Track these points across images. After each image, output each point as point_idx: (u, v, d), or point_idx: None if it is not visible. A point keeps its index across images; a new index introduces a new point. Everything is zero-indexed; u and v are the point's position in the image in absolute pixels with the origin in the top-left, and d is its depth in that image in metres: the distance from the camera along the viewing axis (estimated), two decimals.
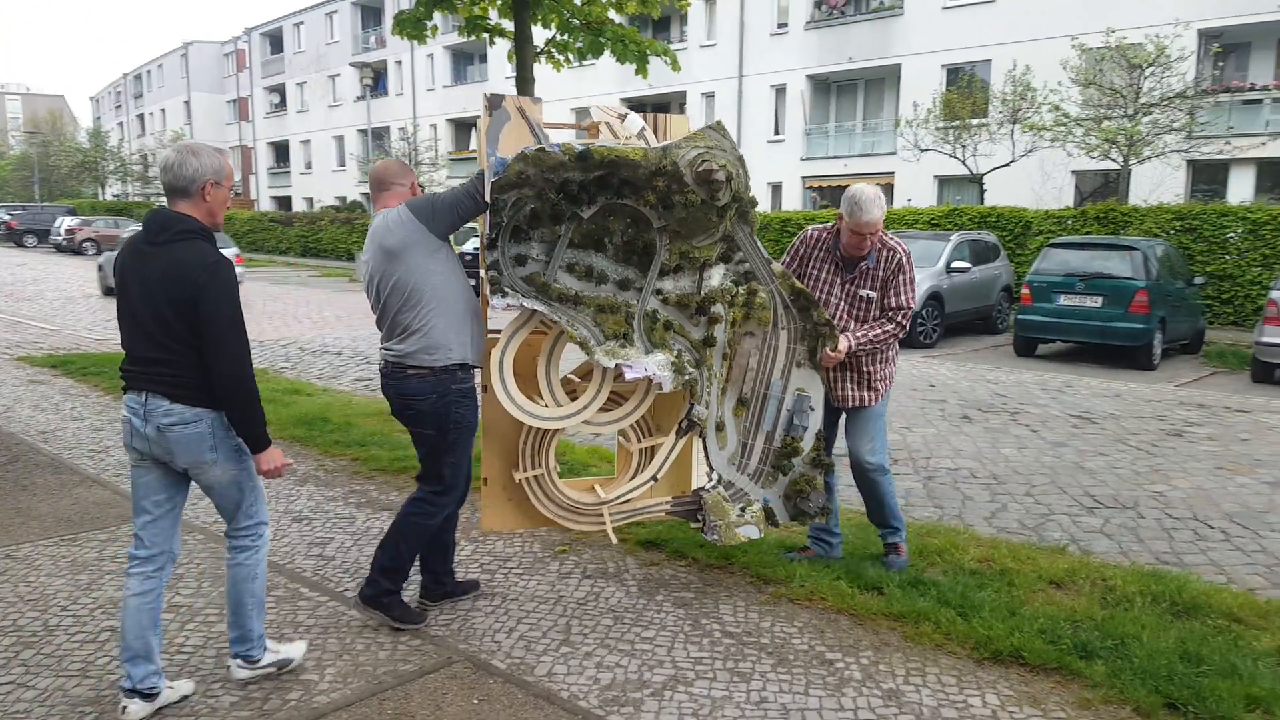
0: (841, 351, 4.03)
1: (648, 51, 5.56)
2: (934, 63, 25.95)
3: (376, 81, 39.63)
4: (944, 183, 25.65)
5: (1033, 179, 21.78)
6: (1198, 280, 13.64)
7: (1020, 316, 12.63)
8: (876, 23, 27.47)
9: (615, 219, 3.62)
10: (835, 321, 4.11)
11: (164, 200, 3.03)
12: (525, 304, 3.55)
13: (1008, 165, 20.31)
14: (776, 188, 30.00)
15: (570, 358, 3.88)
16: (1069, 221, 17.03)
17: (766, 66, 29.75)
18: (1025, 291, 12.41)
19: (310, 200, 50.11)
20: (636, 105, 34.61)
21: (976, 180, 20.93)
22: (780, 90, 29.74)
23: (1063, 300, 11.99)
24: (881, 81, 28.57)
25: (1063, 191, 22.82)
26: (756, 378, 4.00)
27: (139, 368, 2.95)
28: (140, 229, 3.00)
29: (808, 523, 4.28)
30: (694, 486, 4.02)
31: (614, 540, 4.02)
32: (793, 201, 29.23)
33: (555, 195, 3.47)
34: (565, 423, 3.73)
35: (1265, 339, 10.51)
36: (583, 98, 34.55)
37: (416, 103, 43.18)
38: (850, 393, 4.24)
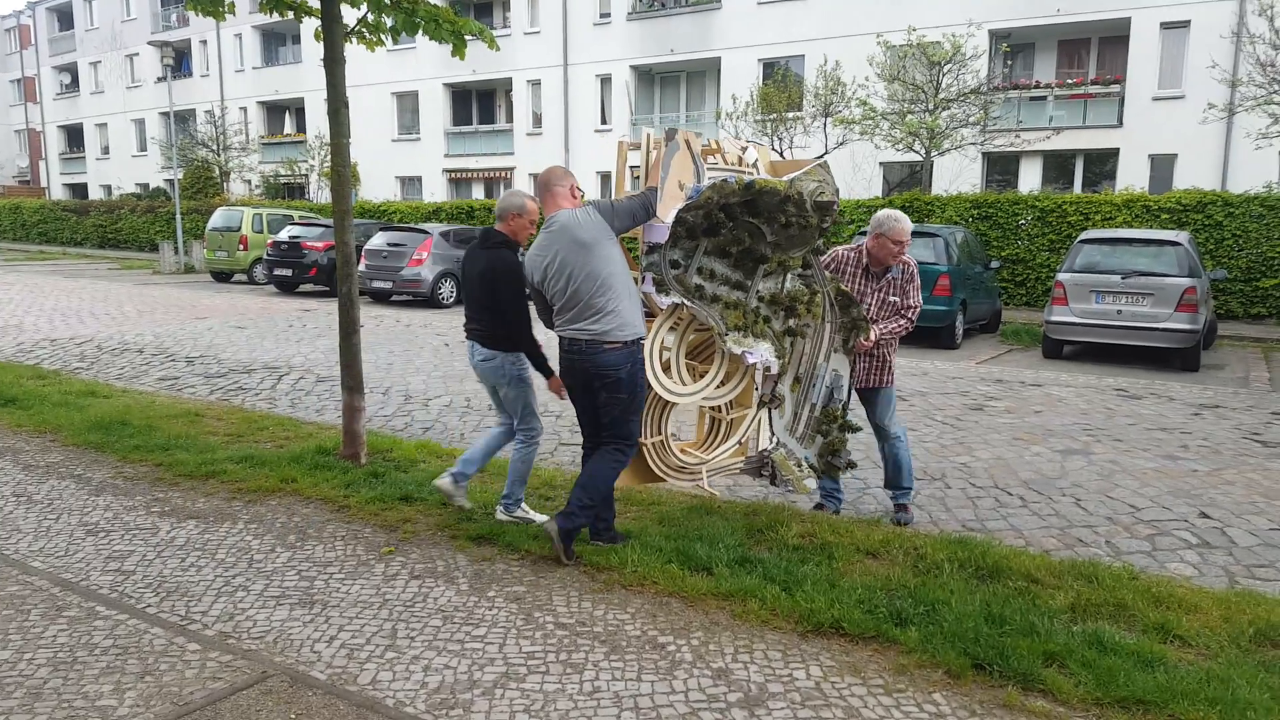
0: (872, 340, 4.92)
1: (463, 31, 5.36)
2: (751, 56, 26.80)
3: (179, 62, 36.72)
4: None
5: (844, 170, 22.92)
6: (994, 264, 14.80)
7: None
8: (696, 15, 28.05)
9: (740, 232, 4.43)
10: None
11: None
12: (680, 300, 4.33)
13: (821, 157, 21.27)
14: (605, 177, 30.14)
15: None
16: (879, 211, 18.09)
17: (591, 56, 29.79)
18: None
19: (108, 188, 45.92)
20: (461, 91, 33.87)
21: None
22: (606, 80, 29.87)
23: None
24: (703, 74, 29.24)
25: (872, 182, 24.19)
26: (809, 360, 4.87)
27: (471, 325, 4.71)
28: (477, 238, 4.76)
29: (835, 475, 5.15)
30: (760, 448, 4.84)
31: (713, 493, 5.04)
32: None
33: (718, 214, 4.31)
34: (694, 398, 4.61)
35: (1054, 318, 11.52)
36: (404, 81, 33.56)
37: (224, 84, 40.34)
38: (873, 376, 5.17)
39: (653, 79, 30.44)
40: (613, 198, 4.35)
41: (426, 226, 18.00)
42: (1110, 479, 6.07)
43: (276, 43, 40.38)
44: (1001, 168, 24.24)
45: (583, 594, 3.91)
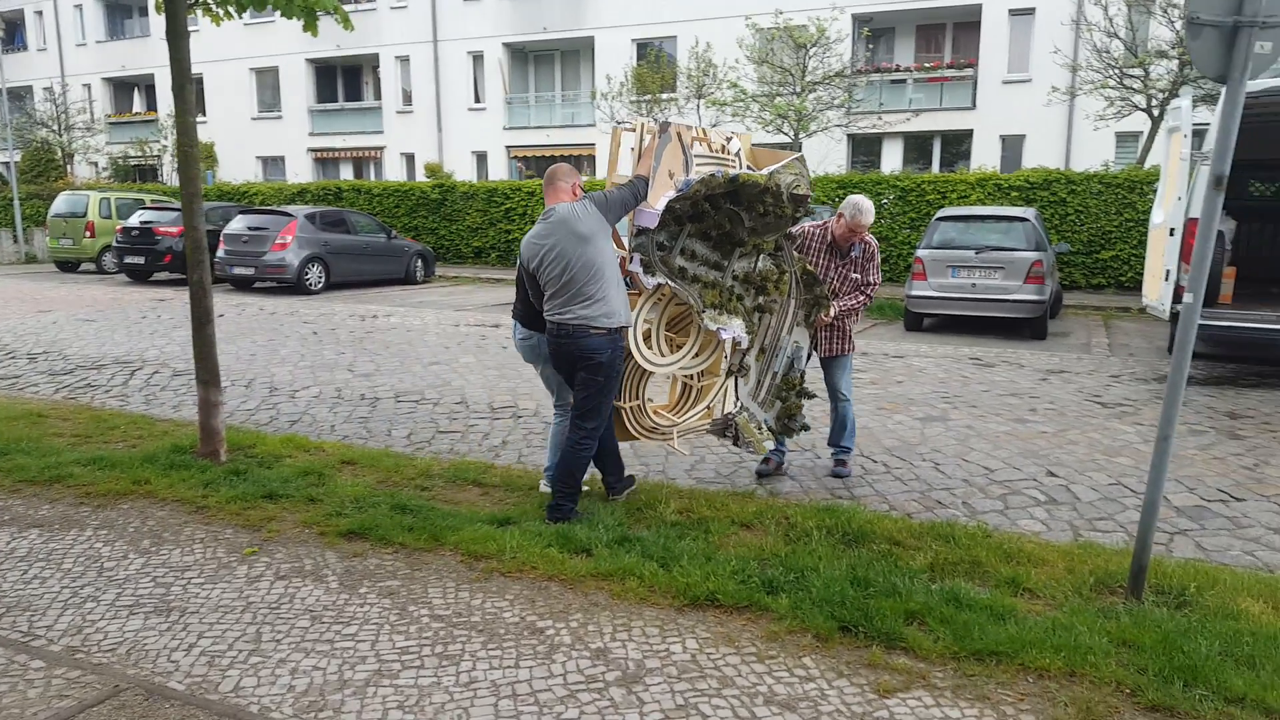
0: (832, 316, 5.41)
1: (315, 7, 5.12)
2: (624, 36, 26.80)
3: (11, 34, 33.75)
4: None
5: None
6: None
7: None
8: None
9: (721, 219, 4.79)
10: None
11: None
12: (664, 281, 4.66)
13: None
14: (481, 157, 29.63)
15: None
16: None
17: (462, 32, 29.10)
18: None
19: None
20: (325, 67, 32.50)
21: None
22: (478, 57, 29.27)
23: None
24: (577, 53, 29.04)
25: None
26: (774, 333, 5.35)
27: (517, 305, 4.89)
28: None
29: (791, 436, 5.68)
30: (724, 412, 5.24)
31: (682, 451, 5.50)
32: (498, 171, 29.02)
33: (704, 203, 4.70)
34: (671, 368, 4.99)
35: (914, 293, 12.05)
36: (264, 56, 31.89)
37: (64, 59, 37.34)
38: (835, 345, 5.64)
39: (527, 57, 30.01)
40: (607, 189, 4.56)
41: (290, 209, 17.24)
42: (966, 443, 6.42)
43: (122, 14, 37.65)
44: (865, 149, 25.13)
45: (460, 584, 3.85)
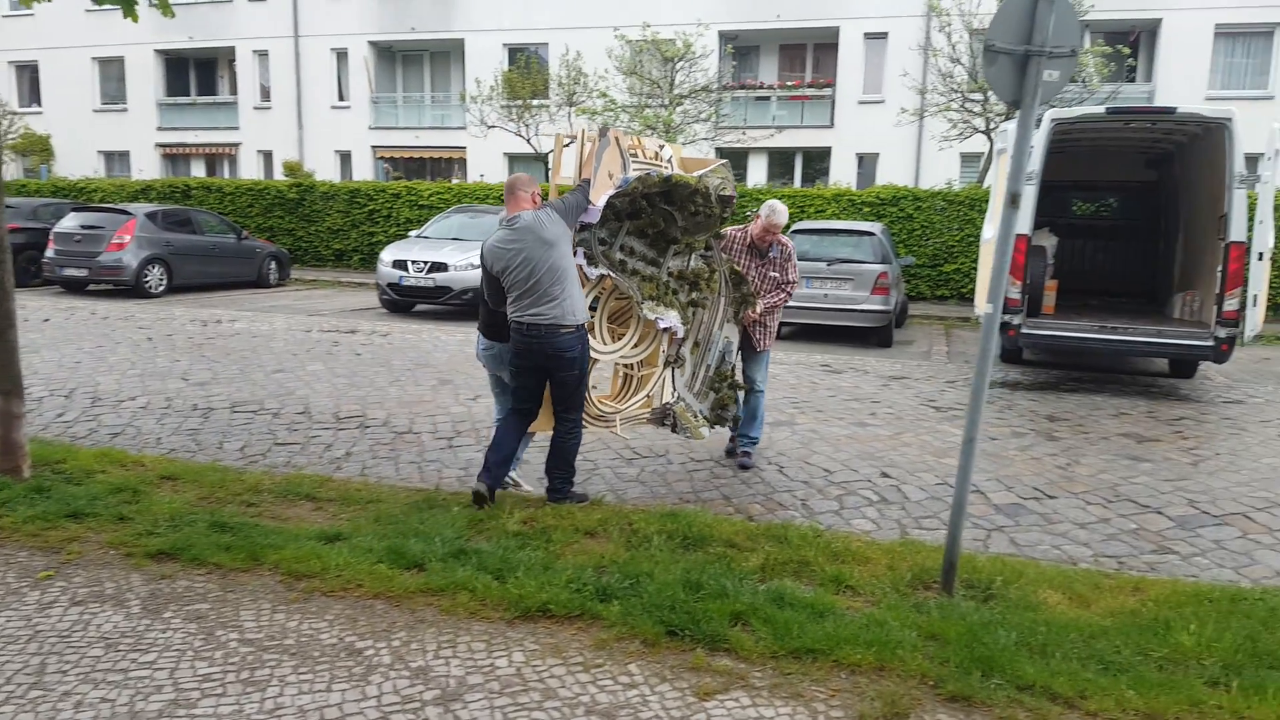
0: (758, 311, 5.97)
1: None
2: (495, 41, 26.54)
3: None
4: (514, 160, 26.46)
5: None
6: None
7: None
8: None
9: (656, 217, 5.30)
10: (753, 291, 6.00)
11: None
12: (605, 272, 5.10)
13: (568, 146, 21.50)
14: (345, 156, 28.67)
15: None
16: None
17: (326, 28, 28.10)
18: None
19: None
20: (177, 59, 30.79)
21: (542, 159, 21.89)
22: (343, 55, 28.33)
23: None
24: (447, 55, 28.55)
25: None
26: (706, 328, 5.82)
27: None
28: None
29: (724, 426, 6.11)
30: (663, 401, 5.59)
31: (623, 436, 6.07)
32: (363, 171, 28.14)
33: (641, 201, 5.17)
34: (613, 356, 5.38)
35: None
36: (108, 45, 29.82)
37: None
38: (758, 340, 6.14)
39: (394, 56, 29.27)
40: (553, 195, 4.99)
41: (129, 207, 16.19)
42: (809, 446, 6.63)
43: None
44: (732, 163, 25.63)
45: (276, 606, 3.66)
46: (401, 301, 13.87)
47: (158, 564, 4.04)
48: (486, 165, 26.26)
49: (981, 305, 9.70)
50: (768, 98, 25.33)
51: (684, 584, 3.82)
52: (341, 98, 28.62)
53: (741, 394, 6.13)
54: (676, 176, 5.25)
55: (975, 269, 16.73)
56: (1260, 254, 8.25)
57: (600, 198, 4.84)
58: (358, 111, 28.37)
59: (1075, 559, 4.68)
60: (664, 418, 5.67)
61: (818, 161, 25.23)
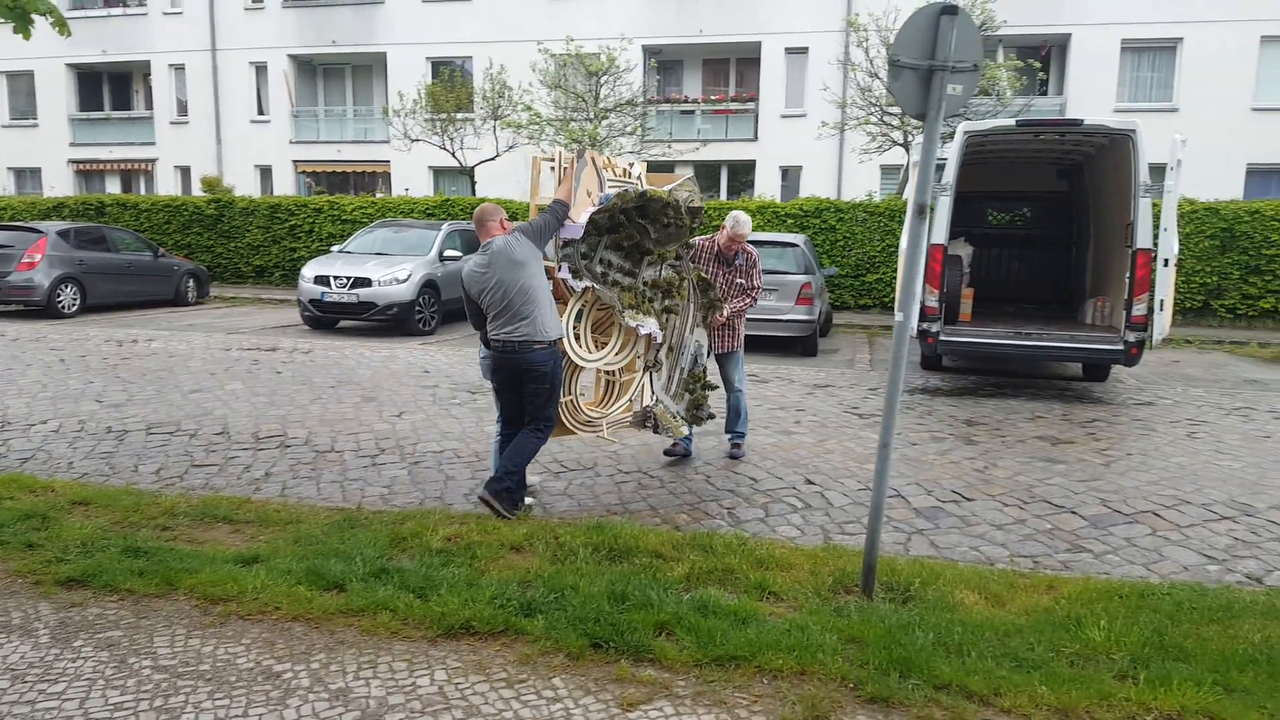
0: (725, 317, 6.38)
1: (28, 9, 4.64)
2: (419, 54, 26.27)
3: None
4: (439, 173, 26.24)
5: (519, 173, 23.30)
6: None
7: None
8: (358, 8, 26.92)
9: (633, 230, 5.64)
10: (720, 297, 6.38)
11: None
12: (589, 284, 5.42)
13: (494, 159, 21.44)
14: (266, 171, 28.03)
15: None
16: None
17: (244, 42, 27.47)
18: None
19: None
20: (90, 74, 29.79)
21: (467, 173, 21.76)
22: (262, 68, 27.72)
23: None
24: (369, 68, 28.17)
25: (544, 186, 24.76)
26: (679, 333, 6.19)
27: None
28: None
29: (700, 424, 6.55)
30: (644, 404, 5.96)
31: (611, 440, 6.36)
32: (285, 186, 27.51)
33: (619, 216, 5.50)
34: (599, 364, 5.65)
35: None
36: (17, 59, 28.56)
37: None
38: (728, 342, 6.60)
39: (315, 70, 28.76)
40: (529, 214, 5.28)
41: (40, 225, 15.57)
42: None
43: None
44: None
45: (191, 631, 3.56)
46: (324, 318, 13.61)
47: (68, 591, 3.89)
48: (411, 179, 25.96)
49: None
50: (692, 111, 25.62)
51: (609, 596, 3.83)
52: (261, 112, 28.00)
53: (711, 393, 6.53)
54: (651, 192, 5.63)
55: (896, 278, 17.21)
56: (1165, 260, 8.64)
57: (581, 215, 5.20)
58: (278, 126, 27.78)
59: (992, 559, 4.83)
60: (645, 419, 6.02)
61: (743, 174, 25.60)
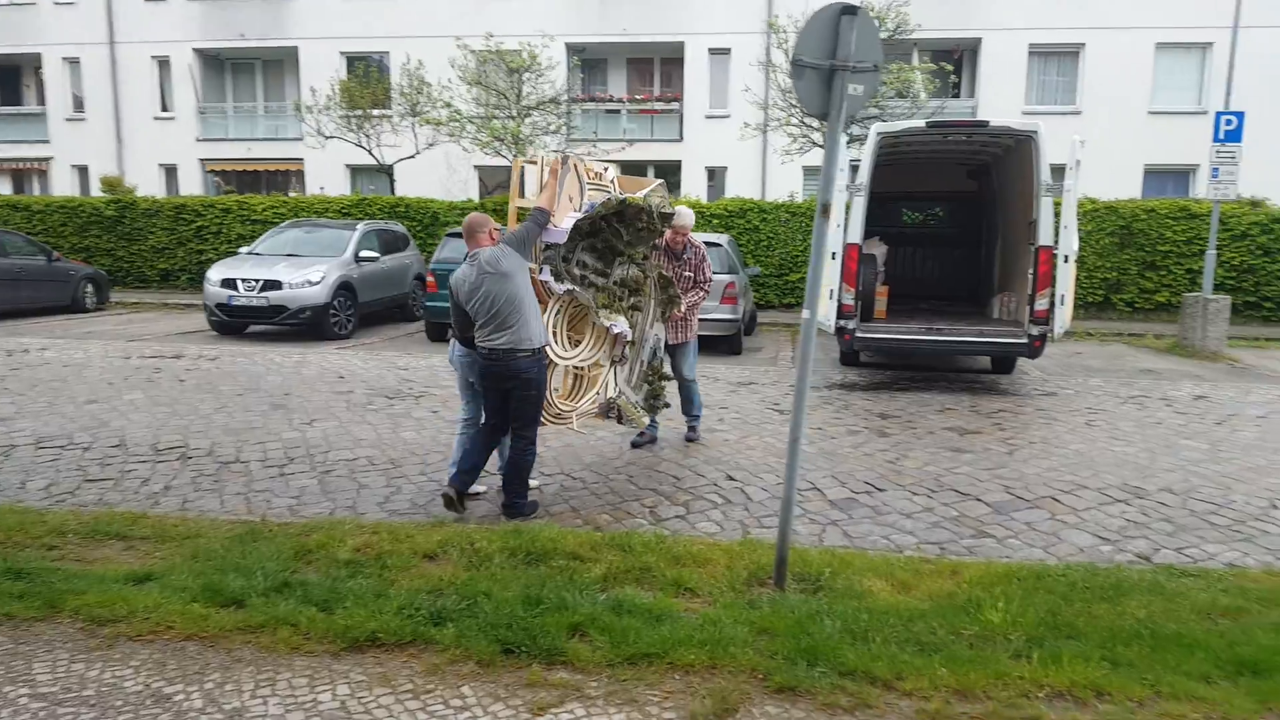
0: (683, 312, 6.77)
1: None
2: (332, 49, 25.61)
3: None
4: (357, 172, 25.65)
5: (440, 172, 22.95)
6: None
7: (428, 304, 13.15)
8: (268, 2, 26.15)
9: (609, 235, 5.96)
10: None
11: None
12: (571, 288, 5.63)
13: (413, 157, 21.05)
14: (171, 170, 26.96)
15: None
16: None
17: (145, 34, 26.33)
18: (430, 279, 12.94)
19: None
20: None
21: (386, 171, 21.32)
22: (165, 63, 26.63)
23: None
24: (281, 63, 27.32)
25: (468, 184, 24.47)
26: (641, 328, 6.49)
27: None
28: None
29: (657, 413, 6.92)
30: (608, 396, 6.22)
31: (581, 432, 6.50)
32: (192, 186, 26.48)
33: (600, 221, 5.80)
34: (575, 360, 5.84)
35: None
36: None
37: None
38: (681, 334, 6.95)
39: (223, 65, 27.77)
40: (509, 226, 5.45)
41: None
42: (658, 454, 6.72)
43: None
44: None
45: (75, 655, 3.37)
46: (232, 323, 13.12)
47: None
48: (327, 177, 25.31)
49: (820, 312, 10.13)
50: (618, 111, 25.59)
51: (523, 600, 3.78)
52: (165, 108, 26.91)
53: (668, 384, 6.90)
54: (630, 199, 5.95)
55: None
56: (1065, 257, 8.96)
57: (564, 219, 5.44)
58: (183, 123, 26.75)
59: (901, 547, 4.92)
60: (609, 411, 6.36)
61: (669, 174, 25.64)
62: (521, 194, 5.66)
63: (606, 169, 6.13)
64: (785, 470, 4.08)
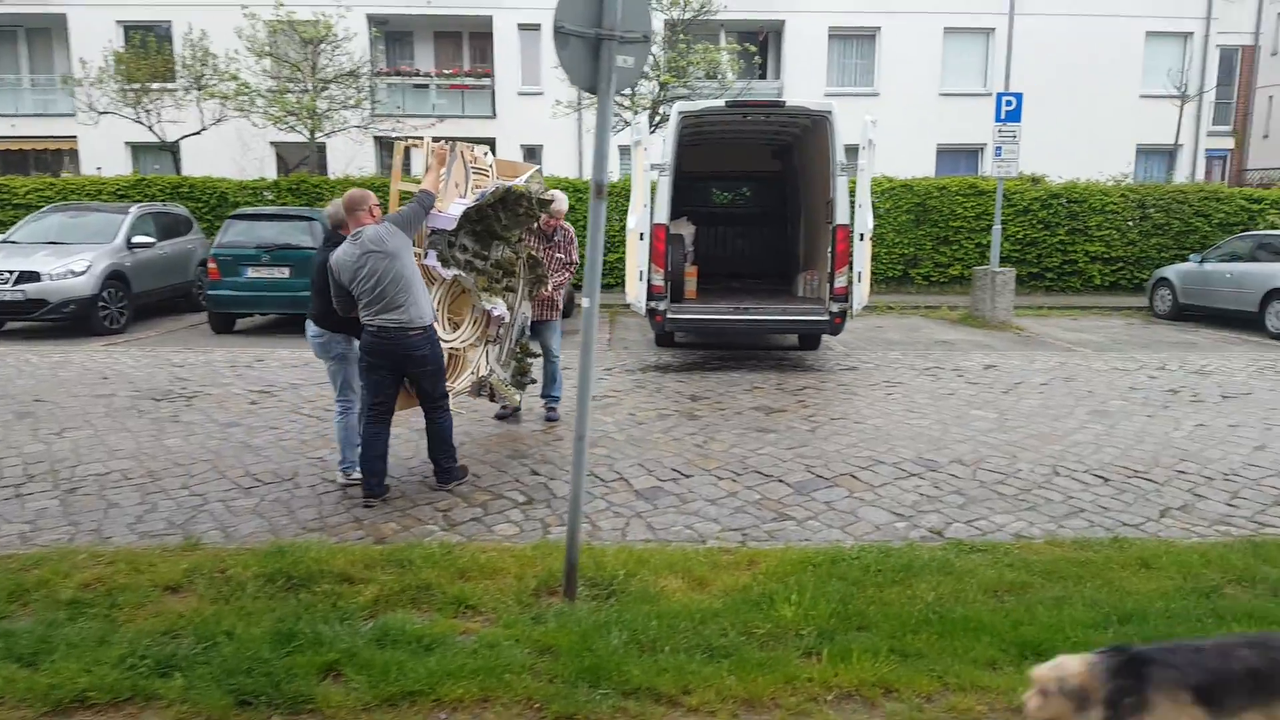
0: (549, 291, 7.05)
1: None
2: (107, 16, 23.12)
3: None
4: (139, 150, 23.33)
5: (233, 149, 21.22)
6: None
7: (211, 292, 12.05)
8: None
9: (492, 221, 6.30)
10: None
11: None
12: (457, 273, 6.00)
13: (199, 134, 19.32)
14: None
15: None
16: (266, 193, 16.93)
17: None
18: (212, 266, 11.85)
19: None
20: None
21: (170, 149, 19.46)
22: None
23: (251, 273, 11.79)
24: (48, 31, 24.45)
25: (264, 163, 22.77)
26: (514, 307, 6.64)
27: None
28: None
29: (523, 389, 7.06)
30: (481, 374, 6.37)
31: (456, 410, 6.20)
32: None
33: (486, 209, 6.16)
34: (457, 343, 6.11)
35: None
36: None
37: None
38: (547, 313, 7.22)
39: None
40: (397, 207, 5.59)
41: None
42: (459, 450, 6.28)
43: None
44: (389, 154, 24.70)
45: None
46: None
47: None
48: (104, 156, 22.87)
49: (631, 293, 9.97)
50: (426, 86, 24.56)
51: (273, 637, 3.32)
52: None
53: (531, 360, 7.10)
54: (516, 187, 6.22)
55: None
56: (861, 235, 9.20)
57: (452, 206, 5.64)
58: None
59: (704, 536, 4.79)
60: (480, 389, 6.48)
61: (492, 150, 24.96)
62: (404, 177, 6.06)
63: (486, 154, 6.25)
64: (572, 469, 3.82)
